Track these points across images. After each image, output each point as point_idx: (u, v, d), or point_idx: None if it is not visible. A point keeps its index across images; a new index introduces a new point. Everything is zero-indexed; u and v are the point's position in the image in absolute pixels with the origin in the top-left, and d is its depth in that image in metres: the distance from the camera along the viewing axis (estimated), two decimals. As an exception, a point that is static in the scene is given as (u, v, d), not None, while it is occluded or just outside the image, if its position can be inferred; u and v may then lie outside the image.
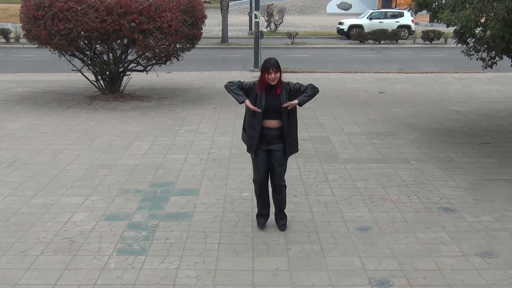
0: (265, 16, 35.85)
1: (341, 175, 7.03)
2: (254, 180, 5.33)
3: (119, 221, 5.53)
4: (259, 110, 5.05)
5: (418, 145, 8.52)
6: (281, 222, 5.39)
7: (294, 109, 5.19)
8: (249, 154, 5.35)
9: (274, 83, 5.06)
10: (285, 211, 5.42)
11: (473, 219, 5.61)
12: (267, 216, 5.45)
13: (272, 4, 38.17)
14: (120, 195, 6.27)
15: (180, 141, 8.70)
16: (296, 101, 5.10)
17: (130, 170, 7.19)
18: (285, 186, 5.33)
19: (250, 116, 5.18)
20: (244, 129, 5.35)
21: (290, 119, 5.16)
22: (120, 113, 10.82)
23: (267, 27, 35.31)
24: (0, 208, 5.87)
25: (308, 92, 5.15)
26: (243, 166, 7.31)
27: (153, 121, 10.16)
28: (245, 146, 5.38)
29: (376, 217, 5.66)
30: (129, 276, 4.47)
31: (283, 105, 5.08)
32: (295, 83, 5.22)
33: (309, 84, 5.24)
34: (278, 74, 5.06)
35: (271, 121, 5.12)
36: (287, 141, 5.19)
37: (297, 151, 5.37)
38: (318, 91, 5.21)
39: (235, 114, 10.64)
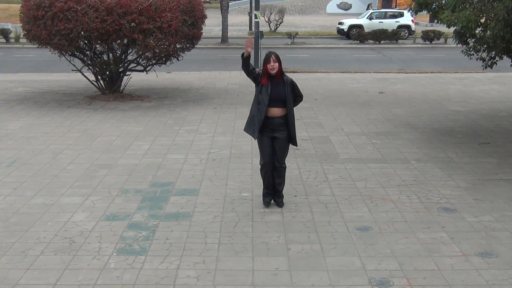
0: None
1: (341, 175, 7.03)
2: (262, 164, 5.82)
3: (119, 221, 5.53)
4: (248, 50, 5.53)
5: (418, 145, 8.52)
6: (279, 200, 5.92)
7: (292, 98, 5.68)
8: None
9: (274, 72, 5.50)
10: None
11: (473, 219, 5.61)
12: (271, 195, 5.92)
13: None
14: (120, 195, 6.27)
15: (180, 141, 8.70)
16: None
17: (130, 170, 7.19)
18: (285, 168, 5.90)
19: (256, 102, 5.62)
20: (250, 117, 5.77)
21: (291, 106, 5.65)
22: (120, 113, 10.82)
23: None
24: (0, 208, 5.88)
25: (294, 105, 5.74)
26: (243, 166, 7.31)
27: (153, 121, 10.16)
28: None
29: (376, 217, 5.66)
30: (129, 276, 4.47)
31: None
32: (290, 79, 5.69)
33: (301, 97, 5.81)
34: (277, 64, 5.50)
35: (276, 109, 5.59)
36: (292, 129, 5.67)
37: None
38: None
39: (235, 114, 10.64)
